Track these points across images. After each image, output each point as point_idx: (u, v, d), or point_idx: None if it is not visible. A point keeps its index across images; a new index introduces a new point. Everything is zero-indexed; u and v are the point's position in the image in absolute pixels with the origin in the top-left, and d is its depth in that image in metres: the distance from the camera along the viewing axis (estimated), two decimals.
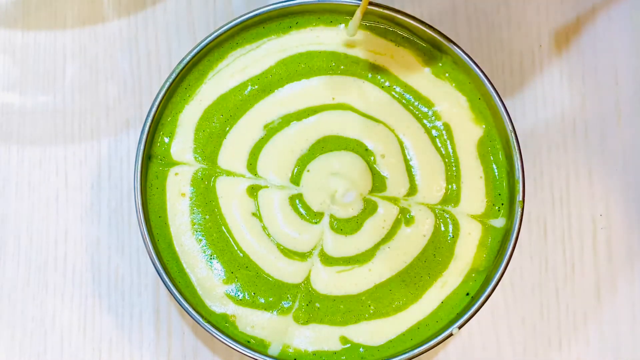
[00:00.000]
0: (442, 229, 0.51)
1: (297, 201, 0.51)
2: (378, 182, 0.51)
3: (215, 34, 0.51)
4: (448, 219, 0.51)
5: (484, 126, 0.52)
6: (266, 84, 0.52)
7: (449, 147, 0.52)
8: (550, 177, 0.56)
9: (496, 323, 0.55)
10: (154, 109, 0.50)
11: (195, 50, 0.51)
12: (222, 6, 0.57)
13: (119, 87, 0.57)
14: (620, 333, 0.55)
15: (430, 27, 0.51)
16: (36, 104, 0.57)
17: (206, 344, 0.54)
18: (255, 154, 0.52)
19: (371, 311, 0.50)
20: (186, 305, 0.48)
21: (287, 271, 0.50)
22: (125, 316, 0.55)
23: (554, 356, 0.55)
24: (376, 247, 0.51)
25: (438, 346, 0.49)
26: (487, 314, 0.55)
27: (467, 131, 0.52)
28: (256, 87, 0.52)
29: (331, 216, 0.51)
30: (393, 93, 0.52)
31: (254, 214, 0.51)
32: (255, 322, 0.50)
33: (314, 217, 0.51)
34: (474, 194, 0.51)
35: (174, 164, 0.51)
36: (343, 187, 0.51)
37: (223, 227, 0.51)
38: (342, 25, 0.52)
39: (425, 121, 0.52)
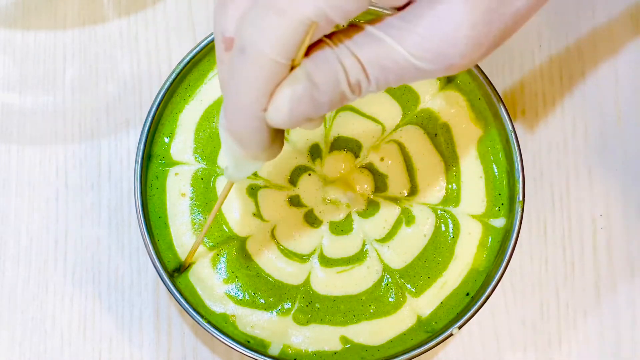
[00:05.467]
0: (443, 229, 0.51)
1: (297, 202, 0.51)
2: (379, 182, 0.52)
3: None
4: (448, 219, 0.51)
5: (484, 126, 0.52)
6: None
7: (449, 147, 0.52)
8: (550, 177, 0.56)
9: (496, 323, 0.55)
10: (154, 109, 0.50)
11: (195, 50, 0.51)
12: None
13: (119, 87, 0.57)
14: (621, 333, 0.55)
15: None
16: (36, 104, 0.57)
17: (206, 344, 0.54)
18: None
19: (371, 311, 0.50)
20: (186, 305, 0.48)
21: (286, 272, 0.51)
22: (125, 316, 0.55)
23: (554, 356, 0.55)
24: (376, 247, 0.51)
25: (438, 346, 0.49)
26: (487, 314, 0.55)
27: (467, 131, 0.52)
28: None
29: (330, 221, 0.51)
30: (393, 93, 0.52)
31: (254, 214, 0.51)
32: (255, 322, 0.50)
33: (314, 221, 0.51)
34: (474, 194, 0.51)
35: (174, 163, 0.51)
36: (342, 189, 0.51)
37: (224, 227, 0.51)
38: None
39: (425, 121, 0.52)
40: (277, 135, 0.39)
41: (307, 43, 0.35)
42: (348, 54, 0.35)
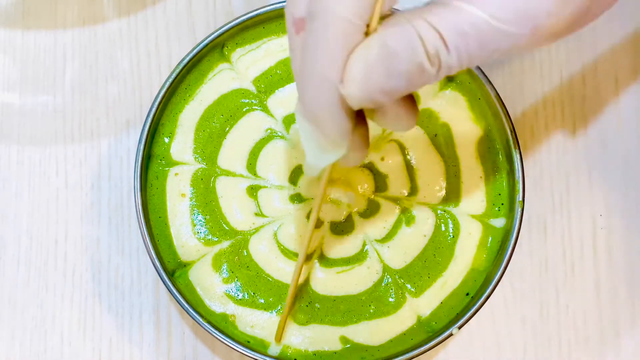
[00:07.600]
0: (443, 229, 0.51)
1: (298, 201, 0.51)
2: (380, 182, 0.52)
3: (215, 34, 0.51)
4: (448, 219, 0.51)
5: (484, 126, 0.52)
6: (266, 84, 0.52)
7: (449, 147, 0.52)
8: (550, 177, 0.56)
9: (496, 323, 0.55)
10: (154, 109, 0.50)
11: (195, 50, 0.51)
12: (222, 6, 0.57)
13: (119, 87, 0.57)
14: (620, 333, 0.55)
15: None
16: (36, 104, 0.57)
17: (206, 344, 0.54)
18: (255, 154, 0.52)
19: (371, 311, 0.50)
20: (186, 305, 0.48)
21: (286, 272, 0.51)
22: (125, 316, 0.55)
23: (553, 356, 0.55)
24: (376, 247, 0.51)
25: (438, 346, 0.49)
26: (487, 314, 0.55)
27: (467, 131, 0.52)
28: (256, 87, 0.52)
29: (331, 221, 0.51)
30: None
31: (255, 214, 0.51)
32: (254, 322, 0.50)
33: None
34: (474, 194, 0.51)
35: (174, 164, 0.51)
36: (342, 189, 0.51)
37: (224, 226, 0.51)
38: None
39: (425, 121, 0.52)
40: (360, 127, 0.37)
41: (380, 3, 0.34)
42: (423, 21, 0.34)
